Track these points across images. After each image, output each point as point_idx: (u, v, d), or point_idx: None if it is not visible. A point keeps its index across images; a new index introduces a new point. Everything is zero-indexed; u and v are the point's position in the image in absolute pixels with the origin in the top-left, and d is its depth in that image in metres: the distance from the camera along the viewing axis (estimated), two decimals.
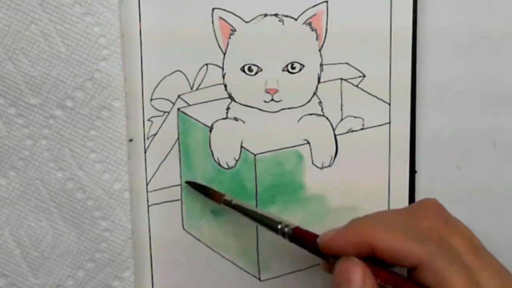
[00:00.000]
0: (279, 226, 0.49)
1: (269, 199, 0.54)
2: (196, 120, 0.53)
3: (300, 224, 0.54)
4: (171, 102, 0.53)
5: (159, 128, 0.53)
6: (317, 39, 0.54)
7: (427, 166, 0.56)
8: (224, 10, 0.52)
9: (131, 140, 0.52)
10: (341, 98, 0.55)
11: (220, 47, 0.53)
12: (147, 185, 0.53)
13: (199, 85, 0.53)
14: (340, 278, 0.45)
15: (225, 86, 0.53)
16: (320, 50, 0.54)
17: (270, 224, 0.50)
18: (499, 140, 0.57)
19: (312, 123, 0.55)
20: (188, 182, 0.53)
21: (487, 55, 0.56)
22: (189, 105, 0.53)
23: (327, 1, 0.53)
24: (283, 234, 0.49)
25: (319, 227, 0.56)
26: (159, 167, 0.53)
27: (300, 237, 0.48)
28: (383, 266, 0.45)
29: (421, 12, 0.55)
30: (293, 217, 0.55)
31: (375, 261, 0.45)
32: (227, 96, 0.53)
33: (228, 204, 0.52)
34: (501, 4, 0.56)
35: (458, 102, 0.56)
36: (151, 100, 0.53)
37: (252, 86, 0.53)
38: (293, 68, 0.54)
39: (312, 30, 0.54)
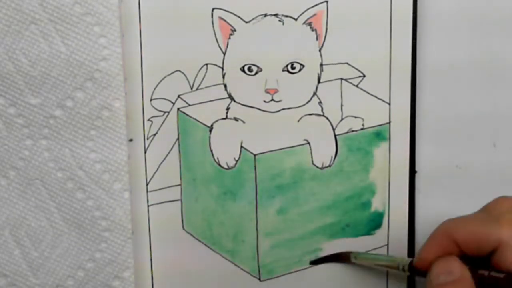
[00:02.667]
0: (399, 266, 0.52)
1: (269, 199, 0.54)
2: (196, 120, 0.53)
3: (300, 224, 0.54)
4: (171, 102, 0.53)
5: (159, 128, 0.53)
6: (317, 39, 0.54)
7: (427, 166, 0.56)
8: (224, 10, 0.52)
9: (131, 140, 0.52)
10: (341, 98, 0.55)
11: (220, 47, 0.53)
12: (147, 185, 0.53)
13: (199, 85, 0.53)
14: (439, 270, 0.48)
15: (225, 86, 0.53)
16: (320, 50, 0.54)
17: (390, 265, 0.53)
18: (499, 140, 0.57)
19: (312, 123, 0.55)
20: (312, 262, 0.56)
21: (487, 56, 0.56)
22: (189, 105, 0.53)
23: (327, 1, 0.53)
24: (403, 270, 0.52)
25: (319, 227, 0.56)
26: (159, 167, 0.53)
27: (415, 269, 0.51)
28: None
29: (422, 11, 0.55)
30: (293, 218, 0.55)
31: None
32: (227, 96, 0.53)
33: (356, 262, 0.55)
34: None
35: (458, 103, 0.56)
36: (151, 100, 0.53)
37: (252, 86, 0.53)
38: (293, 68, 0.54)
39: (312, 30, 0.54)
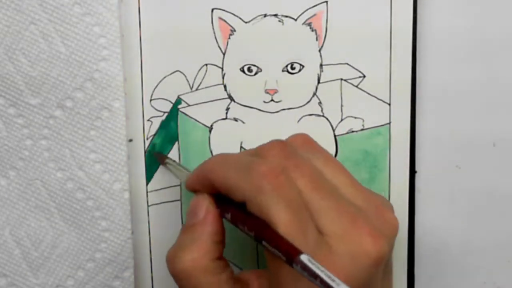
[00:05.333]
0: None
1: None
2: (196, 120, 0.53)
3: None
4: (171, 102, 0.53)
5: (159, 128, 0.53)
6: (317, 39, 0.54)
7: (427, 166, 0.56)
8: (224, 10, 0.52)
9: (131, 140, 0.52)
10: (341, 98, 0.55)
11: (219, 47, 0.53)
12: (147, 185, 0.53)
13: (199, 85, 0.53)
14: (189, 210, 0.47)
15: (225, 86, 0.53)
16: (320, 50, 0.54)
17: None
18: (499, 140, 0.57)
19: (312, 124, 0.55)
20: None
21: (487, 55, 0.56)
22: (189, 105, 0.53)
23: (327, 1, 0.53)
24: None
25: None
26: (159, 167, 0.53)
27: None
28: (234, 203, 0.46)
29: (421, 12, 0.55)
30: None
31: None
32: (226, 96, 0.53)
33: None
34: (502, 5, 0.56)
35: (458, 102, 0.56)
36: (151, 100, 0.53)
37: (252, 87, 0.53)
38: (292, 68, 0.54)
39: (312, 30, 0.54)
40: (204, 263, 0.45)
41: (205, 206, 0.47)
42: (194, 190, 0.48)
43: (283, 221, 0.43)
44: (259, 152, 0.46)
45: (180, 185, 0.54)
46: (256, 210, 0.43)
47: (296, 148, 0.47)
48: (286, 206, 0.43)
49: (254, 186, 0.43)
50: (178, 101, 0.53)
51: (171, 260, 0.46)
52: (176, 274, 0.46)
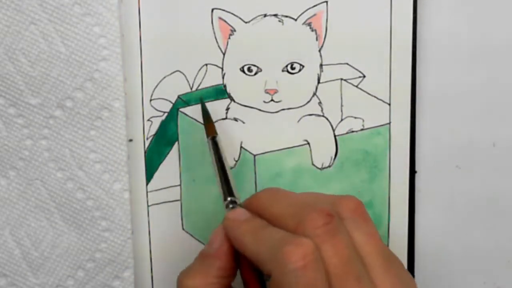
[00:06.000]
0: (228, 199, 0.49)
1: None
2: (196, 120, 0.53)
3: None
4: (171, 102, 0.53)
5: (159, 128, 0.53)
6: (317, 39, 0.54)
7: (427, 166, 0.56)
8: (224, 10, 0.52)
9: (131, 140, 0.52)
10: (341, 98, 0.55)
11: (219, 47, 0.53)
12: (147, 185, 0.53)
13: (199, 85, 0.53)
14: (210, 237, 0.48)
15: (225, 86, 0.53)
16: (320, 51, 0.54)
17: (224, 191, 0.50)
18: (499, 140, 0.57)
19: (312, 124, 0.55)
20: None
21: (487, 55, 0.56)
22: (189, 105, 0.53)
23: (327, 1, 0.53)
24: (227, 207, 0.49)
25: None
26: (158, 167, 0.53)
27: None
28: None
29: (421, 11, 0.55)
30: None
31: None
32: (226, 96, 0.53)
33: (214, 142, 0.51)
34: (501, 10, 0.56)
35: (458, 103, 0.56)
36: (151, 100, 0.53)
37: (252, 87, 0.53)
38: (292, 68, 0.54)
39: (312, 31, 0.54)
40: None
41: (220, 239, 0.47)
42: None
43: None
44: (302, 217, 0.45)
45: (180, 185, 0.54)
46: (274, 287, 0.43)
47: (344, 217, 0.46)
48: None
49: (279, 265, 0.43)
50: (178, 101, 0.53)
51: (178, 280, 0.47)
52: None
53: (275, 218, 0.46)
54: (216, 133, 0.52)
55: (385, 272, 0.45)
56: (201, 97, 0.53)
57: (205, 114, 0.52)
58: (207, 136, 0.52)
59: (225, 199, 0.49)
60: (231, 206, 0.48)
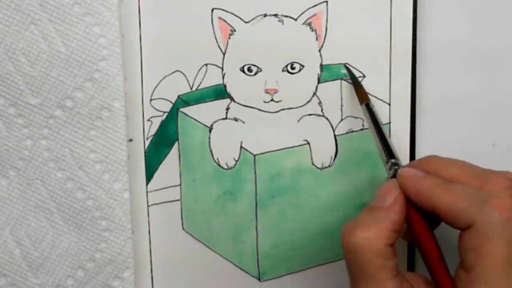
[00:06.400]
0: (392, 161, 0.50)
1: (269, 199, 0.55)
2: (196, 120, 0.53)
3: (300, 224, 0.54)
4: (171, 102, 0.53)
5: (159, 128, 0.53)
6: (317, 39, 0.54)
7: None
8: (224, 10, 0.52)
9: (131, 140, 0.52)
10: (341, 98, 0.55)
11: (219, 47, 0.53)
12: (147, 185, 0.53)
13: (199, 85, 0.53)
14: (378, 193, 0.49)
15: (225, 86, 0.53)
16: (320, 50, 0.54)
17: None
18: (499, 140, 0.57)
19: (312, 124, 0.55)
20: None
21: (487, 56, 0.56)
22: (189, 105, 0.53)
23: (327, 1, 0.53)
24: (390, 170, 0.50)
25: (319, 227, 0.56)
26: (158, 167, 0.53)
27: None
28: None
29: (421, 13, 0.55)
30: (293, 218, 0.55)
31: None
32: (226, 96, 0.53)
33: (368, 109, 0.53)
34: (500, 12, 0.56)
35: (458, 103, 0.56)
36: (151, 100, 0.53)
37: (252, 87, 0.53)
38: (292, 68, 0.54)
39: (312, 30, 0.54)
40: (376, 245, 0.46)
41: (395, 194, 0.48)
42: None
43: (498, 254, 0.45)
44: (488, 178, 0.48)
45: (180, 185, 0.54)
46: (475, 236, 0.46)
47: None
48: (507, 242, 0.45)
49: (485, 215, 0.46)
50: (178, 101, 0.53)
51: (346, 233, 0.47)
52: (347, 247, 0.47)
53: (456, 178, 0.48)
54: (368, 99, 0.53)
55: None
56: (345, 64, 0.54)
57: (354, 79, 0.54)
58: (361, 103, 0.53)
59: (387, 162, 0.50)
60: (395, 167, 0.49)
